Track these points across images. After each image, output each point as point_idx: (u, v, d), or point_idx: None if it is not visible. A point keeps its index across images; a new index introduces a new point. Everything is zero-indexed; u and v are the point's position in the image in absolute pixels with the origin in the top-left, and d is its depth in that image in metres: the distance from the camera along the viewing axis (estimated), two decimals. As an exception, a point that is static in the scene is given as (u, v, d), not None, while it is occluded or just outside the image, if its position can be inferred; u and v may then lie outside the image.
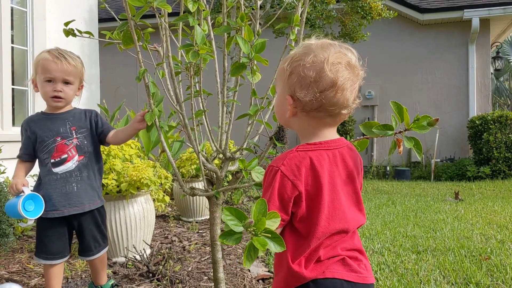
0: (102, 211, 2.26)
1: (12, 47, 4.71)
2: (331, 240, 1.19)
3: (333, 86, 1.13)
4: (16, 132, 4.41)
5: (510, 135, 8.75)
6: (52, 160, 2.06)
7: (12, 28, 4.75)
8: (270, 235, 1.01)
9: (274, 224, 1.03)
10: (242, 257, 3.18)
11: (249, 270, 2.89)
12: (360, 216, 1.26)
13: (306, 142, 1.21)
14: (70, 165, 2.08)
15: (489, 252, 3.32)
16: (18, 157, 2.12)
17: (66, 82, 2.06)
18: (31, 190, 2.02)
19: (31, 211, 1.93)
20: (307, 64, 1.15)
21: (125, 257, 2.92)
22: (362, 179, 1.32)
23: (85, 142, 2.13)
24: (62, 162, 2.07)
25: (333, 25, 7.38)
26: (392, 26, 10.04)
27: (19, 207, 1.88)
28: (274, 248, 1.01)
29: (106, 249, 2.30)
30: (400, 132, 1.30)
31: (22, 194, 1.94)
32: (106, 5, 1.92)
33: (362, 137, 1.52)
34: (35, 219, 1.98)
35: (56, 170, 2.06)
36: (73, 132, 2.10)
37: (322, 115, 1.18)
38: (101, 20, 6.49)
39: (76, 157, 2.09)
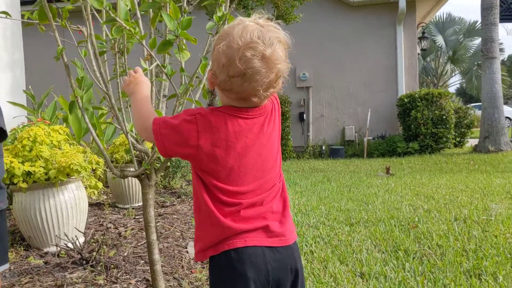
0: (1, 218, 1.72)
1: None
2: (252, 198, 1.23)
3: (241, 75, 1.15)
4: None
5: (436, 112, 9.22)
6: None
7: None
8: None
9: None
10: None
11: (187, 252, 2.88)
12: (275, 174, 1.29)
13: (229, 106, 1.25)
14: None
15: (416, 221, 3.51)
16: None
17: None
18: None
19: None
20: (220, 50, 1.17)
21: (57, 246, 2.82)
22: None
23: None
24: None
25: (266, 6, 7.38)
26: (325, 8, 10.22)
27: None
28: None
29: (3, 268, 1.72)
30: None
31: None
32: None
33: None
34: None
35: None
36: None
37: (233, 97, 1.22)
38: (24, 3, 6.11)
39: None
